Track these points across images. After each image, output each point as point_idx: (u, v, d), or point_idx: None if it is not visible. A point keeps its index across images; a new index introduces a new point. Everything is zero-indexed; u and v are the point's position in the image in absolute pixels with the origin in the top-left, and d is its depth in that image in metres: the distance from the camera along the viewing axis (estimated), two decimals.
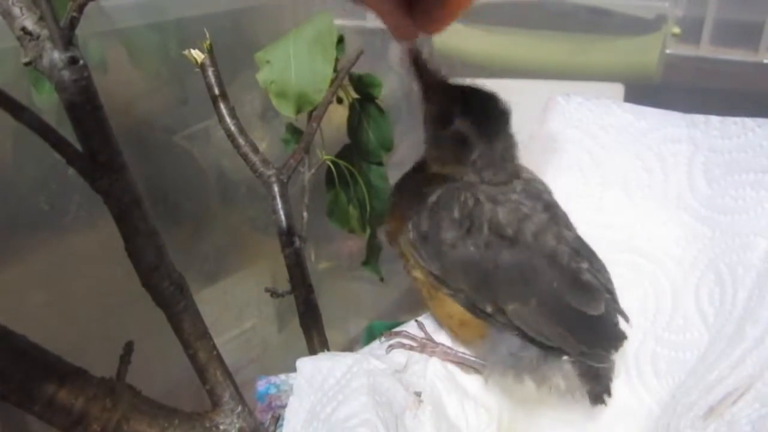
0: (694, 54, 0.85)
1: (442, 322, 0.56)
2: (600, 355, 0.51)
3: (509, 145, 0.51)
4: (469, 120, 0.49)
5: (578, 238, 0.53)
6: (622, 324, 0.52)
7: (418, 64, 0.50)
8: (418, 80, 0.50)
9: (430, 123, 0.51)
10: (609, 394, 0.53)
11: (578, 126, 0.65)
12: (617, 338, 0.52)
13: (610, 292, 0.52)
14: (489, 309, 0.49)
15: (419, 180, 0.52)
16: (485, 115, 0.50)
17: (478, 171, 0.50)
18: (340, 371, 0.49)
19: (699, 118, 0.61)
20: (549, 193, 0.54)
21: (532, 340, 0.50)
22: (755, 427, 0.43)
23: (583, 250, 0.52)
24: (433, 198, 0.50)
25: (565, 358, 0.50)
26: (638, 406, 0.55)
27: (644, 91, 0.80)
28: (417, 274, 0.53)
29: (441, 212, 0.49)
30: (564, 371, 0.51)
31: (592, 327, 0.50)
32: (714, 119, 0.60)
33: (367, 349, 0.55)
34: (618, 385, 0.57)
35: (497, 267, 0.48)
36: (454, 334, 0.55)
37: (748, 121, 0.58)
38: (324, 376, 0.49)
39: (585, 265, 0.51)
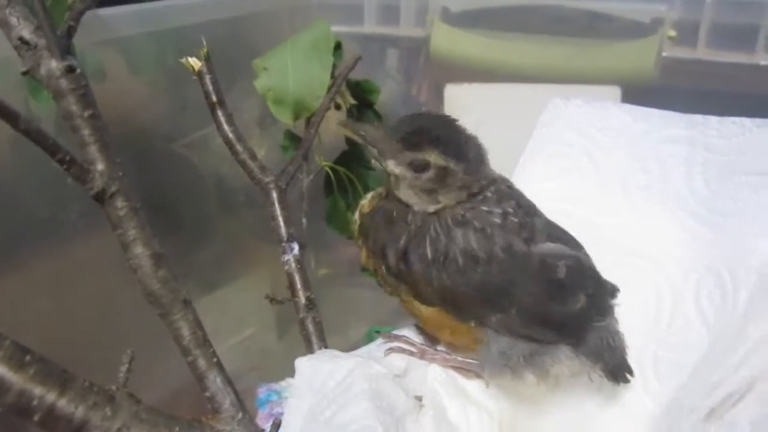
0: (690, 57, 0.85)
1: (435, 334, 0.56)
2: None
3: (477, 145, 0.51)
4: (439, 151, 0.49)
5: (549, 223, 0.54)
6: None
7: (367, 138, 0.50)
8: (375, 155, 0.50)
9: (408, 173, 0.50)
10: (630, 372, 0.53)
11: (576, 129, 0.66)
12: (604, 312, 0.53)
13: (591, 268, 0.53)
14: (473, 324, 0.50)
15: (380, 223, 0.52)
16: (447, 137, 0.50)
17: (468, 188, 0.51)
18: (341, 374, 0.49)
19: (697, 119, 0.61)
20: (511, 185, 0.55)
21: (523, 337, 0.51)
22: (755, 428, 0.43)
23: (557, 234, 0.53)
24: (398, 236, 0.50)
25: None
26: (640, 409, 0.55)
27: (641, 94, 0.80)
28: (396, 295, 0.53)
29: (413, 249, 0.50)
30: (566, 357, 0.52)
31: (576, 320, 0.51)
32: (712, 119, 0.60)
33: (365, 350, 0.55)
34: (618, 388, 0.57)
35: (474, 289, 0.49)
36: (449, 344, 0.55)
37: (747, 122, 0.58)
38: (324, 378, 0.49)
39: (562, 251, 0.52)
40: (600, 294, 0.53)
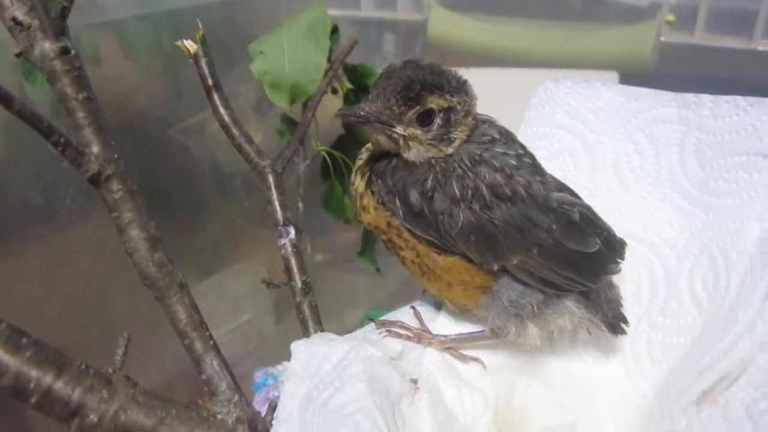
0: (688, 42, 0.85)
1: (442, 297, 0.55)
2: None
3: (457, 76, 0.52)
4: (436, 94, 0.49)
5: (554, 177, 0.55)
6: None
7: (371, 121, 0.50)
8: (383, 127, 0.50)
9: (417, 131, 0.50)
10: (626, 322, 0.55)
11: (567, 110, 0.65)
12: (617, 257, 0.54)
13: (600, 219, 0.54)
14: (495, 267, 0.51)
15: (398, 166, 0.52)
16: (434, 78, 0.50)
17: (472, 114, 0.52)
18: (337, 357, 0.49)
19: (690, 98, 0.61)
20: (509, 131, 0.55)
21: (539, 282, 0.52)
22: (749, 411, 0.43)
23: (561, 185, 0.55)
24: (423, 177, 0.50)
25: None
26: (634, 391, 0.56)
27: (639, 79, 0.80)
28: (407, 254, 0.53)
29: (439, 188, 0.49)
30: (568, 310, 0.53)
31: (593, 262, 0.52)
32: (706, 98, 0.60)
33: (360, 332, 0.55)
34: (614, 370, 0.57)
35: (499, 225, 0.49)
36: (457, 304, 0.55)
37: (740, 100, 0.58)
38: (320, 362, 0.49)
39: (573, 199, 0.53)
40: (611, 242, 0.54)
